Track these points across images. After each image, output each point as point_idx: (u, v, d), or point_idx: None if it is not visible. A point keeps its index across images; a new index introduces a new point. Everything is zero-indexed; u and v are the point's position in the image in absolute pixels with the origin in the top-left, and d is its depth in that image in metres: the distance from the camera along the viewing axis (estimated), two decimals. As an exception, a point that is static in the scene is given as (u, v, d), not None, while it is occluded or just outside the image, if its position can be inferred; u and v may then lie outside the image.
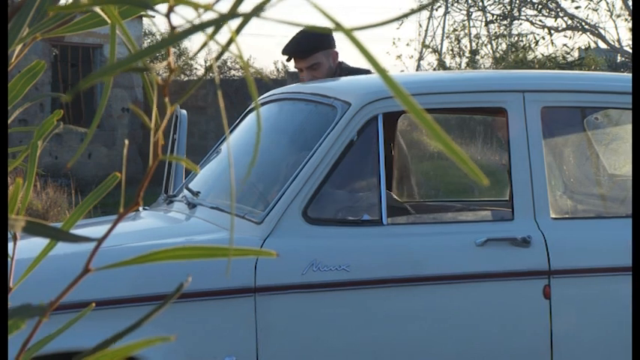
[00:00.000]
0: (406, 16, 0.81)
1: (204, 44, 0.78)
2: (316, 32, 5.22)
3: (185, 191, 4.58)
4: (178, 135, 4.79)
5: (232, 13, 0.74)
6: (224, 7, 0.76)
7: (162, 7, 0.80)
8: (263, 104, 4.72)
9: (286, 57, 5.29)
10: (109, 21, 0.93)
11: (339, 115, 3.96)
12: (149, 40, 26.01)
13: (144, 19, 20.34)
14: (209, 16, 0.75)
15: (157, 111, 0.88)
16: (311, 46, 5.19)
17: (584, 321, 4.03)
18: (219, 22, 0.74)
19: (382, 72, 0.68)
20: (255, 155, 0.79)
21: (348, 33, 0.69)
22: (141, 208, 4.58)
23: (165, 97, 0.83)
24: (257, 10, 0.73)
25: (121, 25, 0.91)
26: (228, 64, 21.03)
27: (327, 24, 0.71)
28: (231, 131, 4.93)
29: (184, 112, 4.82)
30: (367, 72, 5.25)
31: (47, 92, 16.47)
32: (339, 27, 0.70)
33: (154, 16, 0.88)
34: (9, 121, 1.07)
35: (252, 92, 0.81)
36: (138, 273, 3.55)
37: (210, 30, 0.75)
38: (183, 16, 0.78)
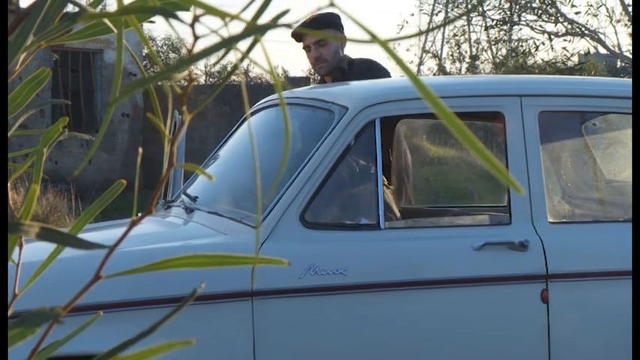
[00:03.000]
0: (438, 27, 0.83)
1: (227, 52, 0.78)
2: (331, 15, 5.21)
3: (183, 196, 4.58)
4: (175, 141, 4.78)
5: (261, 27, 0.74)
6: (248, 15, 0.77)
7: (187, 17, 0.79)
8: (261, 109, 4.72)
9: (295, 37, 5.35)
10: (114, 30, 0.94)
11: (336, 120, 3.97)
12: (150, 44, 26.00)
13: (144, 24, 20.26)
14: (233, 24, 0.76)
15: (154, 118, 0.89)
16: (322, 22, 5.26)
17: (581, 325, 4.02)
18: (249, 35, 0.74)
19: (415, 78, 0.70)
20: (284, 160, 0.78)
21: (384, 44, 0.71)
22: (139, 214, 4.55)
23: (183, 106, 0.84)
24: (281, 22, 0.73)
25: (138, 30, 0.92)
26: (228, 69, 21.04)
27: (361, 34, 0.72)
28: (229, 136, 4.94)
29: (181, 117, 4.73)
30: (370, 62, 5.29)
31: (47, 97, 16.46)
32: (374, 38, 0.71)
33: (154, 21, 0.88)
34: (13, 129, 1.08)
35: (279, 94, 0.83)
36: (137, 277, 3.55)
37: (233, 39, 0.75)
38: (208, 25, 0.78)
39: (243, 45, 0.77)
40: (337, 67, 5.37)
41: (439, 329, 3.90)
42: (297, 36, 5.33)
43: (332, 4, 0.73)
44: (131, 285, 3.58)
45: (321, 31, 5.28)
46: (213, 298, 3.62)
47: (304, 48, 5.36)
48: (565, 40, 21.33)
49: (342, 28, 5.39)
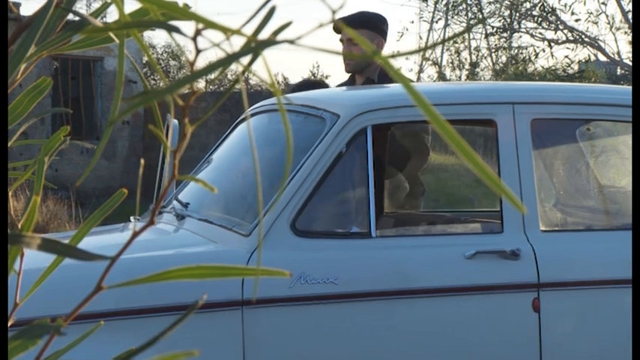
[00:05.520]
0: (437, 44, 0.87)
1: (228, 67, 0.77)
2: (373, 15, 5.15)
3: (174, 202, 4.54)
4: (170, 145, 4.72)
5: (262, 43, 0.74)
6: (249, 28, 0.77)
7: (189, 30, 0.79)
8: (252, 115, 4.69)
9: (335, 29, 5.33)
10: (116, 40, 0.95)
11: (327, 127, 3.95)
12: (150, 53, 26.03)
13: (144, 31, 20.15)
14: (234, 38, 0.76)
15: (156, 130, 0.91)
16: (359, 21, 5.26)
17: (573, 334, 4.00)
18: (251, 52, 0.74)
19: (409, 86, 0.71)
20: (287, 170, 0.79)
21: (384, 60, 0.72)
22: (132, 219, 4.55)
23: (185, 118, 0.83)
24: (285, 38, 0.74)
25: (138, 40, 0.93)
26: (229, 76, 21.05)
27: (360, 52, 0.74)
28: (221, 142, 4.90)
29: (176, 121, 4.57)
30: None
31: (47, 104, 16.46)
32: (375, 54, 0.73)
33: (154, 29, 0.89)
34: (14, 138, 1.11)
35: (279, 105, 0.82)
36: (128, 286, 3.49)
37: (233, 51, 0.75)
38: (210, 38, 0.77)
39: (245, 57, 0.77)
40: (367, 78, 5.32)
41: (430, 338, 3.87)
42: (337, 28, 5.30)
43: (334, 20, 0.73)
44: (122, 294, 3.54)
45: (360, 31, 5.21)
46: (203, 307, 3.57)
47: (340, 40, 5.36)
48: (567, 49, 21.35)
49: (383, 33, 5.35)
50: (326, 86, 5.89)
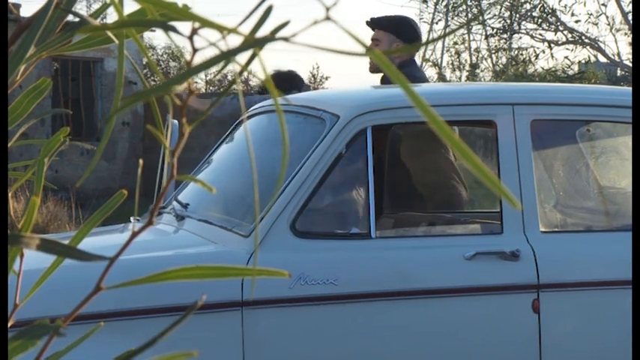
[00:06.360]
0: (436, 40, 0.87)
1: (225, 65, 0.77)
2: (396, 19, 5.34)
3: (174, 203, 4.53)
4: (169, 145, 4.70)
5: (259, 40, 0.74)
6: (246, 28, 0.76)
7: (185, 29, 0.79)
8: (252, 116, 4.69)
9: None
10: (116, 41, 0.95)
11: (327, 128, 3.94)
12: (150, 54, 26.06)
13: (145, 32, 20.16)
14: (230, 37, 0.76)
15: (154, 130, 0.90)
16: (379, 23, 5.49)
17: (573, 335, 4.00)
18: (247, 49, 0.75)
19: (406, 87, 0.71)
20: (282, 171, 0.79)
21: (380, 58, 0.73)
22: (132, 219, 4.54)
23: (183, 118, 0.83)
24: (280, 36, 0.74)
25: (137, 42, 0.93)
26: (229, 77, 21.08)
27: (356, 47, 0.74)
28: (221, 143, 4.91)
29: (175, 122, 4.49)
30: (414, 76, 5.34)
31: (48, 106, 16.45)
32: (369, 51, 0.73)
33: (154, 30, 0.89)
34: (14, 139, 1.11)
35: (276, 106, 0.82)
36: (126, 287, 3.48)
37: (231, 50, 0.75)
38: (206, 38, 0.77)
39: (243, 55, 0.77)
40: (385, 74, 5.40)
41: (430, 339, 3.87)
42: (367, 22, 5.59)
43: (328, 18, 0.73)
44: (122, 295, 3.53)
45: (379, 33, 5.47)
46: (203, 308, 3.55)
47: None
48: (567, 50, 21.37)
49: (402, 37, 5.46)
50: (299, 78, 5.96)
